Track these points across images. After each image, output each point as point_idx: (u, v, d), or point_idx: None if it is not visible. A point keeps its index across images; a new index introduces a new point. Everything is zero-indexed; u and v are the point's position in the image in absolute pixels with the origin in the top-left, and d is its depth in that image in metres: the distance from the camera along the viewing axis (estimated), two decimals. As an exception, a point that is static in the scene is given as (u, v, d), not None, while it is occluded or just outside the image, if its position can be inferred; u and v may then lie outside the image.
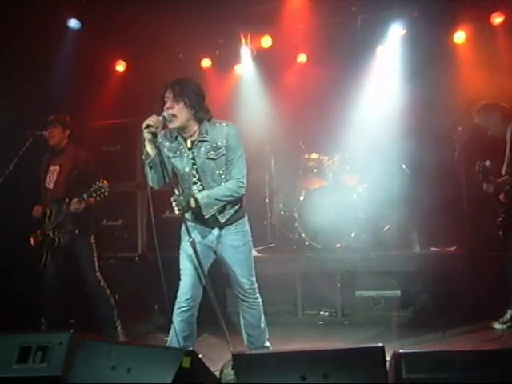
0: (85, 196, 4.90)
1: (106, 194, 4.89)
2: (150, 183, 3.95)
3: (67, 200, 5.00)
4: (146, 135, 3.77)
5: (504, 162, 5.19)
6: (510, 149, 5.11)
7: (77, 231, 5.14)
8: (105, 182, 4.89)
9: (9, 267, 5.87)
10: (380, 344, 3.00)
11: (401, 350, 3.03)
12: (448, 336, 5.00)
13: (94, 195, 4.87)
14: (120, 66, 8.07)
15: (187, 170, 3.97)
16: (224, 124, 3.99)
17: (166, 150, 3.98)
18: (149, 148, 3.79)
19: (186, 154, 3.96)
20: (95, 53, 7.34)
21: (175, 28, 7.06)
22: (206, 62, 8.03)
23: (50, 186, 5.21)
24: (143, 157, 3.85)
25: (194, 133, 3.95)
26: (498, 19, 6.90)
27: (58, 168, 5.22)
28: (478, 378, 2.85)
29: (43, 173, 5.28)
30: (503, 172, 5.18)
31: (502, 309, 5.40)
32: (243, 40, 7.74)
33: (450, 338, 4.60)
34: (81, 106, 6.97)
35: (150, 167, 3.85)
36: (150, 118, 3.76)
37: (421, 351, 3.24)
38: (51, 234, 5.09)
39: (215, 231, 4.07)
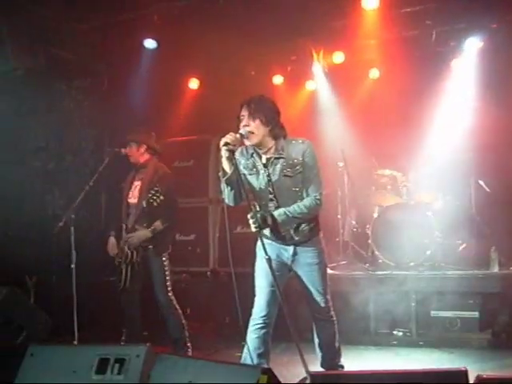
0: (144, 203, 5.02)
1: (162, 198, 5.02)
2: (226, 201, 3.97)
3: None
4: (224, 153, 3.78)
5: None
6: None
7: (151, 247, 5.21)
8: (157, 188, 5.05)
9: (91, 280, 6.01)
10: (463, 367, 2.89)
11: (485, 375, 2.91)
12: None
13: (150, 200, 4.99)
14: (193, 84, 8.24)
15: (263, 187, 3.97)
16: (300, 141, 3.98)
17: (242, 167, 3.99)
18: (226, 165, 3.81)
19: (262, 171, 3.97)
20: (170, 71, 7.54)
21: (247, 45, 7.15)
22: (277, 79, 8.08)
23: (133, 200, 5.32)
24: (220, 174, 3.87)
25: (270, 149, 3.96)
26: None
27: (139, 183, 5.33)
28: None
29: (127, 188, 5.39)
30: None
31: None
32: (315, 56, 7.73)
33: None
34: (156, 123, 7.15)
35: (227, 184, 3.87)
36: (228, 136, 3.78)
37: (506, 376, 3.10)
38: (126, 249, 5.19)
39: (290, 248, 4.04)
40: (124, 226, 5.27)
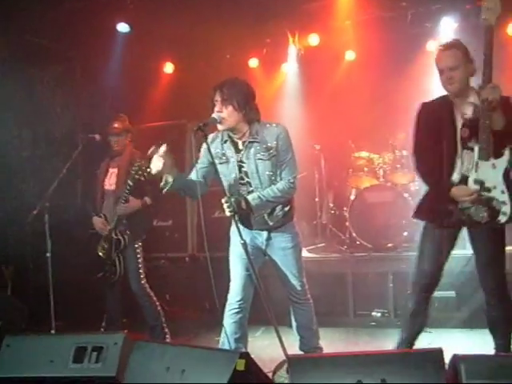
0: (129, 182, 4.90)
1: (149, 170, 4.59)
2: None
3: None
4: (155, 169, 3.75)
5: None
6: None
7: (128, 232, 5.17)
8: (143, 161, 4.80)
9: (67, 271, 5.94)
10: (438, 346, 2.92)
11: (460, 354, 2.94)
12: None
13: (136, 176, 4.82)
14: (168, 68, 8.14)
15: (234, 175, 3.96)
16: (274, 125, 3.96)
17: (213, 155, 3.91)
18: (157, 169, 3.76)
19: (232, 160, 3.95)
20: (144, 55, 7.44)
21: (222, 28, 7.07)
22: (253, 62, 8.01)
23: (109, 187, 5.25)
24: (161, 184, 3.85)
25: (245, 134, 3.93)
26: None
27: (116, 170, 5.27)
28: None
29: (103, 175, 5.31)
30: None
31: None
32: (291, 39, 7.69)
33: None
34: (131, 108, 7.06)
35: (175, 190, 3.86)
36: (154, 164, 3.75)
37: (482, 355, 3.14)
38: (115, 236, 5.14)
39: (264, 233, 4.05)
40: (102, 216, 5.21)
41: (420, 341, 4.07)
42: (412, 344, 4.02)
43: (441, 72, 3.90)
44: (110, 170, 5.31)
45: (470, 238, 3.94)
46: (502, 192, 3.68)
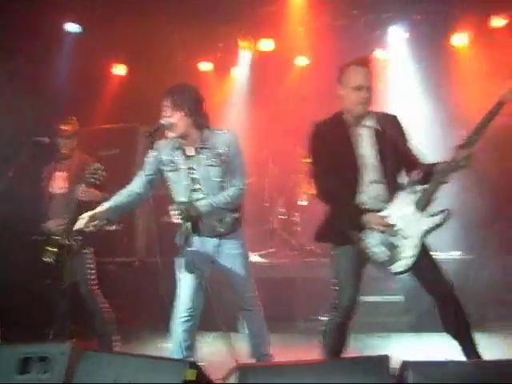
0: (83, 185, 4.76)
1: (104, 173, 4.67)
2: None
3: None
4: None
5: None
6: None
7: (80, 237, 5.06)
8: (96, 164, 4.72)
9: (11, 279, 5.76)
10: (385, 353, 2.96)
11: (407, 360, 2.99)
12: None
13: (92, 180, 4.67)
14: (120, 69, 8.02)
15: (184, 182, 3.94)
16: (225, 131, 3.97)
17: (162, 162, 3.93)
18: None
19: (182, 167, 3.93)
20: (95, 56, 7.34)
21: (174, 31, 7.05)
22: (205, 66, 7.99)
23: (58, 191, 5.12)
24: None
25: (195, 140, 3.92)
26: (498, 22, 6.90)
27: (65, 173, 5.14)
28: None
29: (48, 180, 5.18)
30: None
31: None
32: (243, 44, 7.70)
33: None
34: (79, 110, 6.92)
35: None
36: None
37: (428, 361, 3.20)
38: (67, 241, 5.01)
39: (214, 240, 4.03)
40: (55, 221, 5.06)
41: (370, 346, 4.14)
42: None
43: (356, 88, 3.65)
44: (57, 174, 5.17)
45: None
46: (415, 246, 3.54)
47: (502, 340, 5.16)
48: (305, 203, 6.82)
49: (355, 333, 5.62)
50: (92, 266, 5.10)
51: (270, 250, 7.05)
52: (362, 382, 2.87)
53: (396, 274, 3.60)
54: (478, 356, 3.64)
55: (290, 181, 7.42)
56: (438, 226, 3.55)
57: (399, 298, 5.81)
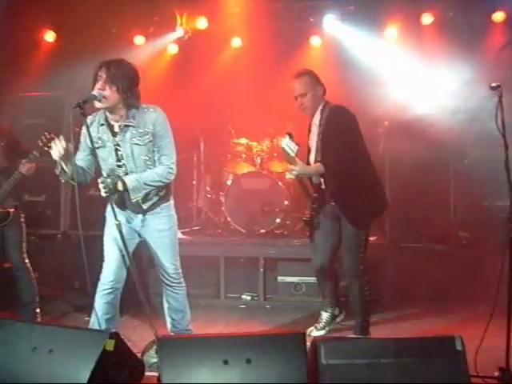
0: (36, 153, 4.73)
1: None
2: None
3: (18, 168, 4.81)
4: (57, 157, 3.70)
5: None
6: None
7: (17, 204, 4.96)
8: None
9: None
10: (301, 330, 3.11)
11: (320, 336, 3.15)
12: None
13: (46, 148, 4.59)
14: (49, 36, 7.76)
15: (111, 159, 3.94)
16: (152, 109, 3.96)
17: (92, 138, 3.86)
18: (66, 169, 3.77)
19: (108, 143, 3.92)
20: (22, 21, 7.07)
21: (109, 1, 6.90)
22: (139, 39, 7.85)
23: None
24: (57, 172, 3.81)
25: (122, 117, 3.90)
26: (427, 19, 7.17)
27: None
28: (392, 364, 2.99)
29: None
30: None
31: (418, 297, 5.76)
32: (178, 20, 7.64)
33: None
34: (3, 77, 6.71)
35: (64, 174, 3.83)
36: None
37: (339, 337, 3.38)
38: (1, 209, 4.89)
39: (139, 215, 4.06)
40: None
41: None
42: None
43: (295, 98, 4.61)
44: None
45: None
46: None
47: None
48: (229, 183, 6.88)
49: (277, 310, 5.89)
50: (25, 232, 5.05)
51: (195, 228, 7.11)
52: (277, 357, 3.00)
53: None
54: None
55: (219, 160, 7.47)
56: None
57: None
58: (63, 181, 3.89)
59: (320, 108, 4.64)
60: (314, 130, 4.70)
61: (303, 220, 4.89)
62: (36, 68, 7.48)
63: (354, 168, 4.47)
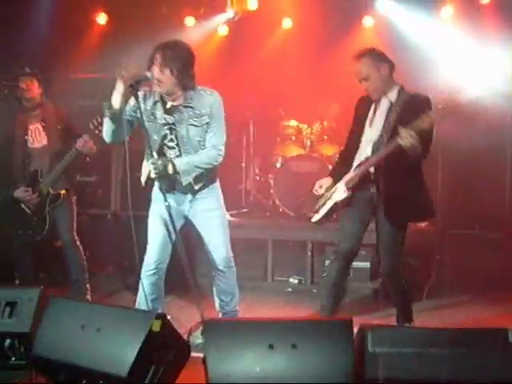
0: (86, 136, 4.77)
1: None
2: (104, 135, 3.94)
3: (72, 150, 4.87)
4: (119, 86, 3.70)
5: None
6: None
7: (68, 187, 5.07)
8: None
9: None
10: (348, 317, 3.06)
11: (367, 324, 3.09)
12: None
13: (97, 132, 4.62)
14: (101, 18, 7.84)
15: (159, 137, 3.94)
16: (209, 92, 3.97)
17: (142, 112, 3.88)
18: (116, 100, 3.73)
19: (161, 121, 3.93)
20: (75, 3, 7.15)
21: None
22: (189, 20, 7.84)
23: (37, 145, 5.02)
24: (105, 105, 3.77)
25: (179, 98, 3.92)
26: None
27: (39, 126, 5.03)
28: (442, 354, 2.92)
29: (22, 134, 4.99)
30: None
31: (468, 287, 5.64)
32: (229, 1, 7.58)
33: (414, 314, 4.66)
34: (57, 58, 6.82)
35: (111, 120, 3.79)
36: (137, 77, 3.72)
37: (387, 325, 3.31)
38: (52, 191, 4.98)
39: (188, 196, 4.07)
40: (39, 172, 4.99)
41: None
42: (333, 312, 4.22)
43: (359, 81, 4.19)
44: (31, 127, 5.00)
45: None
46: None
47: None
48: (279, 166, 6.84)
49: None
50: (75, 212, 5.15)
51: (244, 211, 7.11)
52: (323, 343, 2.96)
53: None
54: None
55: (268, 143, 7.43)
56: None
57: (366, 264, 5.90)
58: (106, 116, 3.82)
59: (397, 88, 4.15)
60: (383, 107, 4.16)
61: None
62: (88, 50, 7.57)
63: (420, 168, 4.24)
